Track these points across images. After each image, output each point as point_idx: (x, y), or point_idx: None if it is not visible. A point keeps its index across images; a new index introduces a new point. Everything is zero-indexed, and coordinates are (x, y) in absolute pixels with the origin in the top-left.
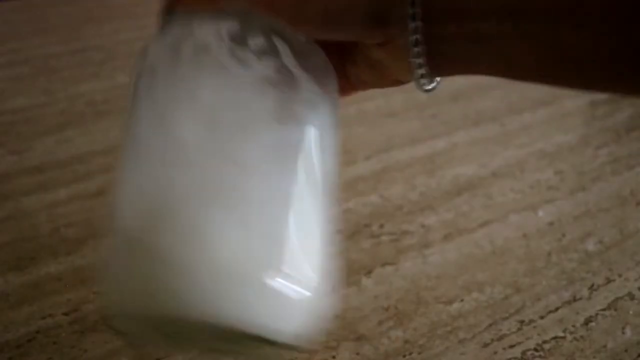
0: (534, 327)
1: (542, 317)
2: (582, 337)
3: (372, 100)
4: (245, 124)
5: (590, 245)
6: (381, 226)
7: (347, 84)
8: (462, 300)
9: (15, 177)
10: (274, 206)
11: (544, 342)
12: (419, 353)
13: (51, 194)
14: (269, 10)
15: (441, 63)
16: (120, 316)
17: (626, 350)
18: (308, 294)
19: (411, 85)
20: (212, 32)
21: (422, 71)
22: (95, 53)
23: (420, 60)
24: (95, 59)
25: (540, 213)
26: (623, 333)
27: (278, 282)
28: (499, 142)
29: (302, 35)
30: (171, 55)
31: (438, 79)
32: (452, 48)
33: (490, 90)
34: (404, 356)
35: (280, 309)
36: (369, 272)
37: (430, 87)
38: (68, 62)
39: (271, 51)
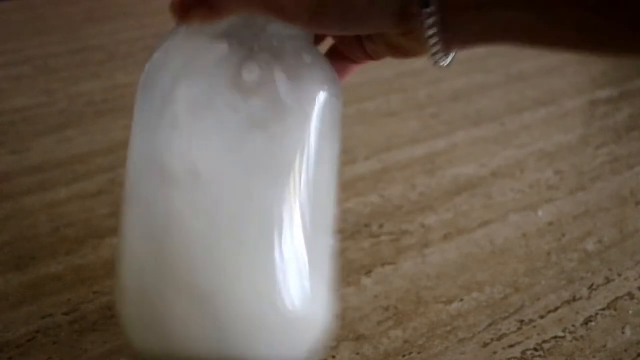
0: (534, 327)
1: (542, 317)
2: (581, 337)
3: (372, 100)
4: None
5: (590, 245)
6: (381, 226)
7: (364, 54)
8: (462, 300)
9: (15, 177)
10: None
11: (544, 342)
12: (419, 353)
13: (51, 194)
14: (284, 16)
15: (457, 42)
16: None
17: (626, 350)
18: (303, 313)
19: (411, 85)
20: (205, 73)
21: (437, 49)
22: (95, 53)
23: (435, 40)
24: (95, 59)
25: (540, 213)
26: (623, 333)
27: (274, 312)
28: (499, 142)
29: (310, 42)
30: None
31: (453, 54)
32: (470, 28)
33: (490, 90)
34: (404, 356)
35: (281, 335)
36: (369, 272)
37: (445, 63)
38: (68, 62)
39: (267, 81)
